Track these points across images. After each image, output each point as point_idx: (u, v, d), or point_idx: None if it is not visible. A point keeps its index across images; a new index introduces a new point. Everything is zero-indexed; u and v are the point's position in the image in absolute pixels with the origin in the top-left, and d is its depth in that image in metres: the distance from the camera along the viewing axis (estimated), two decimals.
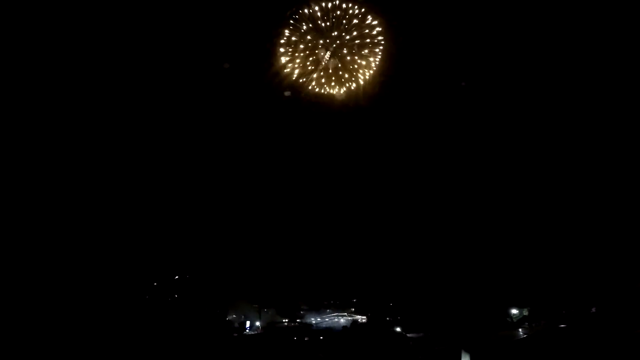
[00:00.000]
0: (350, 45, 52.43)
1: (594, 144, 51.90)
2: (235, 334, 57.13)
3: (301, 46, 52.43)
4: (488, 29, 49.66)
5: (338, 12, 51.04)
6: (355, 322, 59.40)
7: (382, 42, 51.91)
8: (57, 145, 51.00)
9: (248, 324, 59.22)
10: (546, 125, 52.27)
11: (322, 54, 52.40)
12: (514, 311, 53.49)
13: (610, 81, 49.24)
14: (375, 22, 51.42)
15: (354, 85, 53.75)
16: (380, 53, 52.39)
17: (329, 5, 50.59)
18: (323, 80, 53.50)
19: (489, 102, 52.55)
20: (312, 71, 53.51)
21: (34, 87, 47.99)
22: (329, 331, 57.25)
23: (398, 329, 55.26)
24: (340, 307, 62.14)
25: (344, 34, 51.78)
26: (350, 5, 50.64)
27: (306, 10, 50.73)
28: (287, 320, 60.53)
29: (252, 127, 55.65)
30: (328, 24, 51.42)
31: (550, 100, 51.09)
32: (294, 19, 50.81)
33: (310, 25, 52.07)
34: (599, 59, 48.86)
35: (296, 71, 52.88)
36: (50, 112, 49.69)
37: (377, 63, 52.68)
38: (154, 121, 53.36)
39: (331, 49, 52.66)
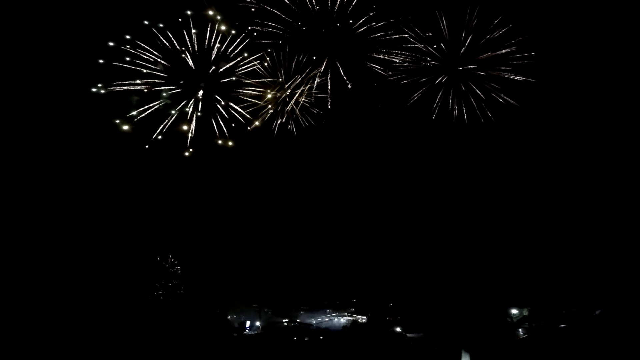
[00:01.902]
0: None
1: (596, 142, 51.83)
2: (235, 334, 57.13)
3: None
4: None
5: None
6: (355, 322, 59.34)
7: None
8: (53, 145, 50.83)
9: (248, 324, 59.17)
10: (545, 124, 52.27)
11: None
12: (514, 311, 53.41)
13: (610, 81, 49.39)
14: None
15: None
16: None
17: None
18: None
19: (487, 99, 52.45)
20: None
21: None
22: (329, 331, 57.25)
23: (398, 329, 55.23)
24: (340, 307, 62.01)
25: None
26: None
27: None
28: (286, 321, 60.41)
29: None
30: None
31: (549, 99, 51.09)
32: None
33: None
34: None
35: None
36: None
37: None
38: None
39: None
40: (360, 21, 40.35)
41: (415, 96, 49.01)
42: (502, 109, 49.30)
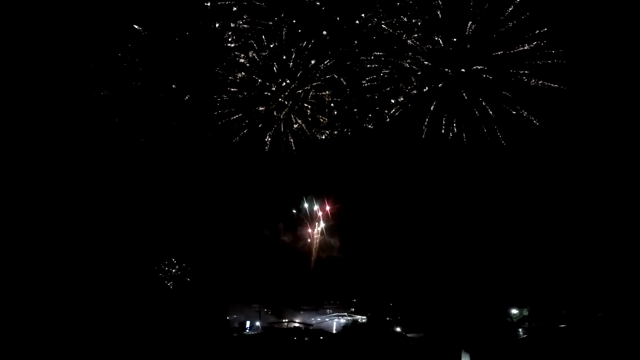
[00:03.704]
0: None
1: (597, 140, 51.46)
2: (235, 334, 57.25)
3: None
4: None
5: None
6: (355, 322, 59.40)
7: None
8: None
9: (248, 324, 59.29)
10: (544, 122, 51.90)
11: None
12: (514, 311, 53.32)
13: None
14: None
15: None
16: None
17: None
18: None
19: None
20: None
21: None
22: (329, 331, 57.35)
23: (398, 329, 55.25)
24: (340, 307, 62.07)
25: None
26: None
27: None
28: (286, 321, 60.53)
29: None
30: None
31: (547, 99, 50.74)
32: None
33: None
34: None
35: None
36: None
37: None
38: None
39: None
40: None
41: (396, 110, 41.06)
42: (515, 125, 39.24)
